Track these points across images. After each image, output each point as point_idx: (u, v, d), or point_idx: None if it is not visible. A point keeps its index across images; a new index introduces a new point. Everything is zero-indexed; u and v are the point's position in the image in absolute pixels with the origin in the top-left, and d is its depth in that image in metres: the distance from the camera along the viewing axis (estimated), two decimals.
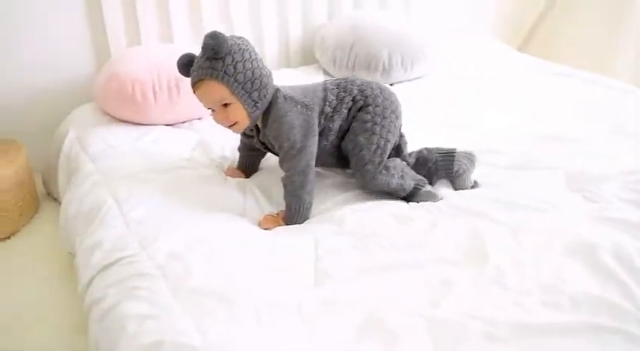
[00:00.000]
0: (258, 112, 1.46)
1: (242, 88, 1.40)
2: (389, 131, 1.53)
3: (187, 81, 1.94)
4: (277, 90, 1.49)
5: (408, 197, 1.53)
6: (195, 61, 1.44)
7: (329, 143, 1.53)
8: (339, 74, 2.39)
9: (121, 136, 1.91)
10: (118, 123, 2.01)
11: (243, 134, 1.67)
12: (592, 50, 3.01)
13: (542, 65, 2.51)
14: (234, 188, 1.59)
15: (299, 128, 1.45)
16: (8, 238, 1.97)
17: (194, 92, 1.46)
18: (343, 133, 1.54)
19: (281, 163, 1.49)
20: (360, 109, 1.52)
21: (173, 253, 1.28)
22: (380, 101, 1.53)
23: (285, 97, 1.48)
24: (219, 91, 1.41)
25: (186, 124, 2.05)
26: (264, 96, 1.44)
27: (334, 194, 1.54)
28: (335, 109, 1.51)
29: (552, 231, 1.32)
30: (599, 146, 1.73)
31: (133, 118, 2.00)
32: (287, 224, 1.47)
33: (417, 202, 1.51)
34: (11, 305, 1.66)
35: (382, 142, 1.51)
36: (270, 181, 1.62)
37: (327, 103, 1.51)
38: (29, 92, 2.25)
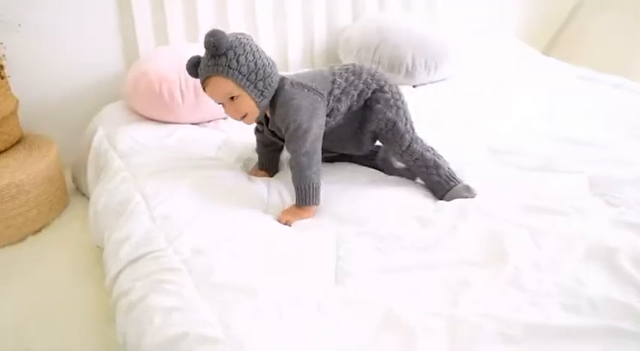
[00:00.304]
0: (266, 101, 1.52)
1: (247, 80, 1.46)
2: (407, 107, 1.63)
3: None
4: (283, 78, 1.55)
5: (440, 193, 1.56)
6: (201, 61, 1.50)
7: (335, 124, 1.59)
8: None
9: (148, 134, 1.96)
10: (145, 121, 2.06)
11: (257, 130, 1.72)
12: (619, 53, 2.98)
13: (565, 68, 2.51)
14: (258, 186, 1.63)
15: (305, 110, 1.50)
16: (39, 231, 2.02)
17: (204, 90, 1.52)
18: (352, 114, 1.60)
19: (287, 145, 1.53)
20: (374, 92, 1.59)
21: (198, 249, 1.31)
22: (391, 82, 1.64)
23: (292, 83, 1.54)
24: (225, 85, 1.47)
25: (211, 123, 2.09)
26: (270, 84, 1.50)
27: (356, 194, 1.56)
28: (343, 91, 1.57)
29: (573, 234, 1.32)
30: (621, 150, 1.72)
31: (161, 116, 2.05)
32: (299, 207, 1.50)
33: (449, 200, 1.52)
34: (41, 296, 1.70)
35: (408, 115, 1.62)
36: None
37: (336, 85, 1.57)
38: (60, 90, 2.31)
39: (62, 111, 2.33)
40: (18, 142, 2.14)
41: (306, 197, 1.49)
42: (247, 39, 1.50)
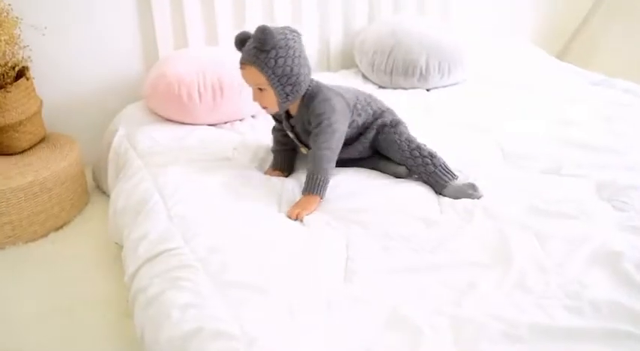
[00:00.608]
0: (288, 104, 1.62)
1: (278, 81, 1.55)
2: None
3: (230, 83, 2.06)
4: (318, 82, 1.66)
5: (438, 186, 1.61)
6: (247, 43, 1.58)
7: (349, 136, 1.69)
8: (377, 79, 2.45)
9: (167, 134, 2.01)
10: (164, 122, 2.11)
11: (274, 129, 1.81)
12: (633, 59, 2.96)
13: (579, 73, 2.51)
14: (273, 185, 1.66)
15: (338, 112, 1.62)
16: (61, 227, 2.08)
17: (240, 69, 1.62)
18: (363, 131, 1.71)
19: (315, 137, 1.61)
20: (382, 112, 1.75)
21: (213, 247, 1.36)
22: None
23: (328, 88, 1.65)
24: (257, 77, 1.57)
25: (227, 124, 2.13)
26: (297, 91, 1.59)
27: (365, 195, 1.59)
28: (363, 108, 1.70)
29: (579, 238, 1.34)
30: (630, 155, 1.73)
31: (179, 117, 2.10)
32: (305, 196, 1.56)
33: (454, 197, 1.56)
34: (63, 290, 1.75)
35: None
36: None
37: (359, 101, 1.69)
38: (83, 91, 2.37)
39: (84, 111, 2.39)
40: (42, 140, 2.20)
41: (315, 186, 1.56)
42: (295, 41, 1.58)
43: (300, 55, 1.58)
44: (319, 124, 1.60)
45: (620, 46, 3.06)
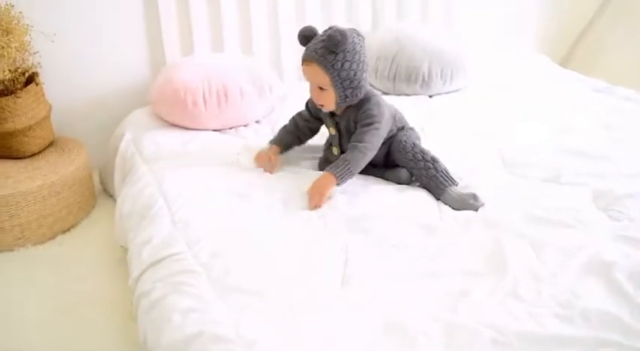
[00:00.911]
0: (344, 105, 1.69)
1: (340, 84, 1.62)
2: None
3: (235, 90, 2.10)
4: (373, 91, 1.73)
5: (438, 191, 1.64)
6: (314, 40, 1.63)
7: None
8: (380, 85, 2.47)
9: (172, 139, 2.04)
10: (170, 127, 2.14)
11: (299, 115, 1.87)
12: (637, 65, 2.97)
13: (581, 80, 2.51)
14: (277, 191, 1.68)
15: (385, 120, 1.70)
16: (68, 230, 2.12)
17: (302, 64, 1.66)
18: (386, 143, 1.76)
19: (361, 134, 1.67)
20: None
21: (215, 252, 1.39)
22: None
23: (379, 95, 1.74)
24: (321, 77, 1.62)
25: (232, 130, 2.16)
26: (356, 95, 1.66)
27: (367, 201, 1.62)
28: (399, 121, 1.77)
29: (573, 247, 1.37)
30: (629, 165, 1.75)
31: (184, 123, 2.13)
32: (327, 172, 1.62)
33: (455, 207, 1.59)
34: (68, 292, 1.78)
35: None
36: (309, 181, 1.67)
37: (397, 114, 1.79)
38: (90, 96, 2.41)
39: (92, 116, 2.43)
40: (50, 145, 2.24)
41: (342, 171, 1.62)
42: (361, 46, 1.64)
43: (363, 61, 1.64)
44: (369, 124, 1.66)
45: (625, 50, 3.06)
